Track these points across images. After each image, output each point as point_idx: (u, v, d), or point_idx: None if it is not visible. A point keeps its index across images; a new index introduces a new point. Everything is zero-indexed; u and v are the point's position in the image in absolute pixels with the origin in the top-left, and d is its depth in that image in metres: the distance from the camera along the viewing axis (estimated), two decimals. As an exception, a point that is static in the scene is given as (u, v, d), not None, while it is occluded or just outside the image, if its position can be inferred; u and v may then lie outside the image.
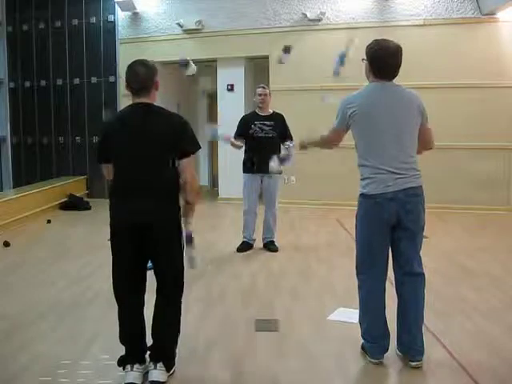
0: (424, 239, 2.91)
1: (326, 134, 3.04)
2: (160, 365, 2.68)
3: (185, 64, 5.15)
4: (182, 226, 2.78)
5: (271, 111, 5.51)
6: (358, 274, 2.96)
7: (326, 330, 3.40)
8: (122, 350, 2.74)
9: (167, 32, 8.82)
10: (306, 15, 8.20)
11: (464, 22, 7.69)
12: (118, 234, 2.67)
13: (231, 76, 8.78)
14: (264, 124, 5.36)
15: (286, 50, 5.56)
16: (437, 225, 6.49)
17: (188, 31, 8.69)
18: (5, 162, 9.94)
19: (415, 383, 2.74)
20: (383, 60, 2.78)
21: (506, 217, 7.40)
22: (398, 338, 2.91)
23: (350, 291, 3.52)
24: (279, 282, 4.45)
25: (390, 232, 2.81)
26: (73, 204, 8.33)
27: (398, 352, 2.94)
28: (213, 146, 9.92)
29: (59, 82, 9.47)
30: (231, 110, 8.09)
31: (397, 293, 2.91)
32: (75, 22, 9.29)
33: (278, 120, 5.44)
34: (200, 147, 2.79)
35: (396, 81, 2.86)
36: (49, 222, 7.25)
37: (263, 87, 5.52)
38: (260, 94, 5.45)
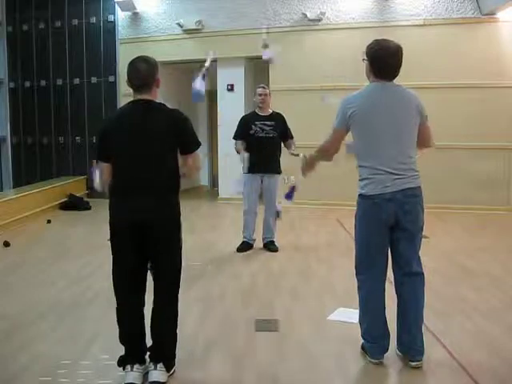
0: (424, 239, 2.91)
1: (322, 143, 2.99)
2: (160, 365, 2.68)
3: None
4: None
5: (271, 111, 5.50)
6: (357, 275, 2.95)
7: (326, 330, 3.40)
8: (121, 350, 2.74)
9: (167, 32, 8.83)
10: (306, 15, 8.20)
11: (464, 22, 7.70)
12: (118, 232, 2.66)
13: (231, 76, 8.78)
14: (265, 124, 5.36)
15: (265, 46, 5.63)
16: (437, 225, 6.49)
17: (188, 31, 8.70)
18: (5, 162, 9.95)
19: (415, 383, 2.74)
20: (384, 60, 2.78)
21: (506, 217, 7.40)
22: (398, 338, 2.91)
23: (349, 291, 3.52)
24: (279, 282, 4.45)
25: (388, 233, 2.81)
26: (73, 204, 8.33)
27: (397, 352, 2.94)
28: (213, 146, 9.92)
29: (59, 82, 9.47)
30: (231, 110, 8.10)
31: (396, 293, 2.91)
32: (75, 21, 9.30)
33: (278, 120, 5.44)
34: (200, 144, 2.79)
35: (396, 81, 2.85)
36: (49, 222, 7.25)
37: (263, 87, 5.52)
38: (260, 94, 5.45)
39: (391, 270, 2.91)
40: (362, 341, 2.97)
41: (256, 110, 5.55)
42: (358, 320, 2.99)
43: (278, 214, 3.47)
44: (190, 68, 10.05)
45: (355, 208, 2.91)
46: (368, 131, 2.79)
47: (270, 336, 3.31)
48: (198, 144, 2.77)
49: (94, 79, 9.31)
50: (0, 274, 4.79)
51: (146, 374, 2.71)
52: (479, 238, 6.08)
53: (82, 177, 9.35)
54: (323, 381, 2.78)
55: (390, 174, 2.73)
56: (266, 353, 3.07)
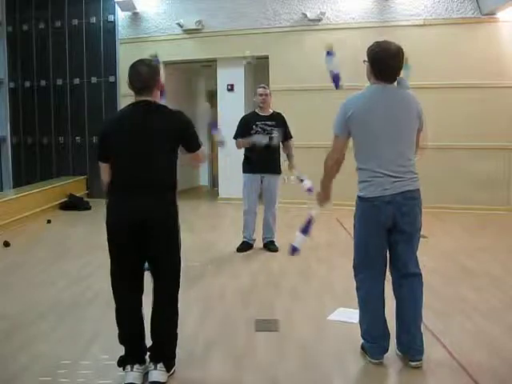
0: (423, 239, 2.91)
1: (325, 160, 2.93)
2: (160, 365, 2.68)
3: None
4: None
5: (271, 111, 5.50)
6: (355, 275, 2.95)
7: (326, 329, 3.40)
8: (121, 350, 2.74)
9: (167, 32, 8.83)
10: (306, 15, 8.21)
11: (464, 22, 7.70)
12: (117, 232, 2.66)
13: (231, 76, 8.78)
14: (266, 124, 5.36)
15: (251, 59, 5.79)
16: (436, 225, 6.49)
17: (188, 31, 8.70)
18: (5, 162, 9.94)
19: (415, 383, 2.74)
20: (384, 62, 2.77)
21: (506, 217, 7.40)
22: (398, 338, 2.91)
23: (349, 291, 3.51)
24: (279, 282, 4.45)
25: (386, 234, 2.81)
26: (73, 204, 8.33)
27: (397, 352, 2.94)
28: (213, 146, 9.91)
29: (59, 81, 9.47)
30: (231, 110, 8.10)
31: (394, 294, 2.91)
32: (75, 21, 9.30)
33: (278, 120, 5.44)
34: (201, 145, 2.83)
35: (396, 81, 2.85)
36: (49, 222, 7.25)
37: (264, 87, 5.52)
38: (261, 94, 5.44)
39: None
40: (361, 341, 2.97)
41: (256, 110, 5.54)
42: (357, 320, 3.00)
43: (293, 250, 3.14)
44: (190, 68, 10.08)
45: (355, 208, 2.91)
46: (367, 133, 2.78)
47: (270, 336, 3.31)
48: (200, 146, 2.82)
49: (94, 79, 9.31)
50: (0, 274, 4.79)
51: (146, 374, 2.71)
52: (479, 238, 6.08)
53: (82, 177, 9.36)
54: (323, 381, 2.78)
55: (389, 176, 2.73)
56: (265, 353, 3.07)
